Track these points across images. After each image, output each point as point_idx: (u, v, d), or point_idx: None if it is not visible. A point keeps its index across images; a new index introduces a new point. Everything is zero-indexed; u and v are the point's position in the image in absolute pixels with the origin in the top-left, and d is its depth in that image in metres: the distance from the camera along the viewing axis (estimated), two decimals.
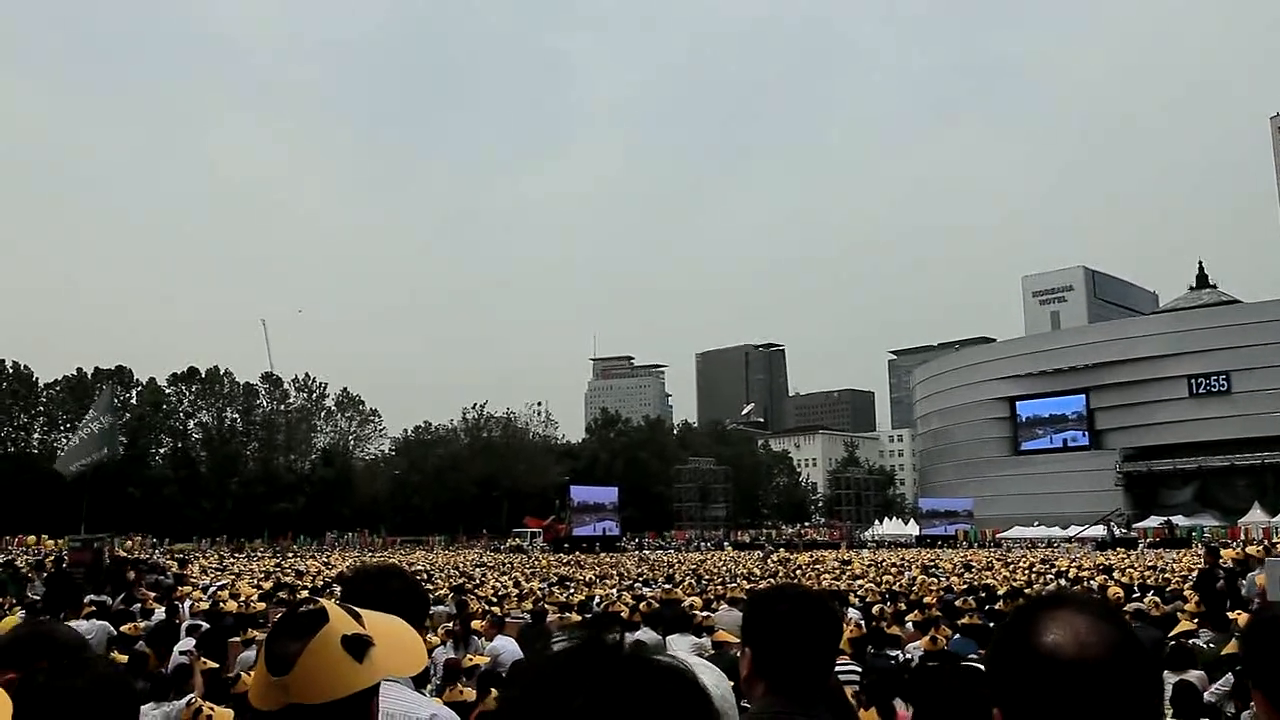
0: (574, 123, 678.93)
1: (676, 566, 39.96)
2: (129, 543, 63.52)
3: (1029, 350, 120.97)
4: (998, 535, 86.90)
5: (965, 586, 21.61)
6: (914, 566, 36.42)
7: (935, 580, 24.74)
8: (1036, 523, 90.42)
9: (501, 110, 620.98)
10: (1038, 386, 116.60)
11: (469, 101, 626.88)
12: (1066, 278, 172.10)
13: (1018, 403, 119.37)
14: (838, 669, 3.88)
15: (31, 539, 65.51)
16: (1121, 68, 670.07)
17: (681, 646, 9.70)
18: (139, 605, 14.50)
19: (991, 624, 11.37)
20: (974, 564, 37.49)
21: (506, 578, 28.69)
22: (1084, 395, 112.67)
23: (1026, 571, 29.80)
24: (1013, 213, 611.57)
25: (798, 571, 33.10)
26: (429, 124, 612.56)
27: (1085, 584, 22.15)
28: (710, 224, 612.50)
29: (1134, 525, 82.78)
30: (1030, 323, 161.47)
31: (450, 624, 11.50)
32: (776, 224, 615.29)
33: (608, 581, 27.03)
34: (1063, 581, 24.20)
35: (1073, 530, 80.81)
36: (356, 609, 1.72)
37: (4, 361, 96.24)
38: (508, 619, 13.18)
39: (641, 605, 13.47)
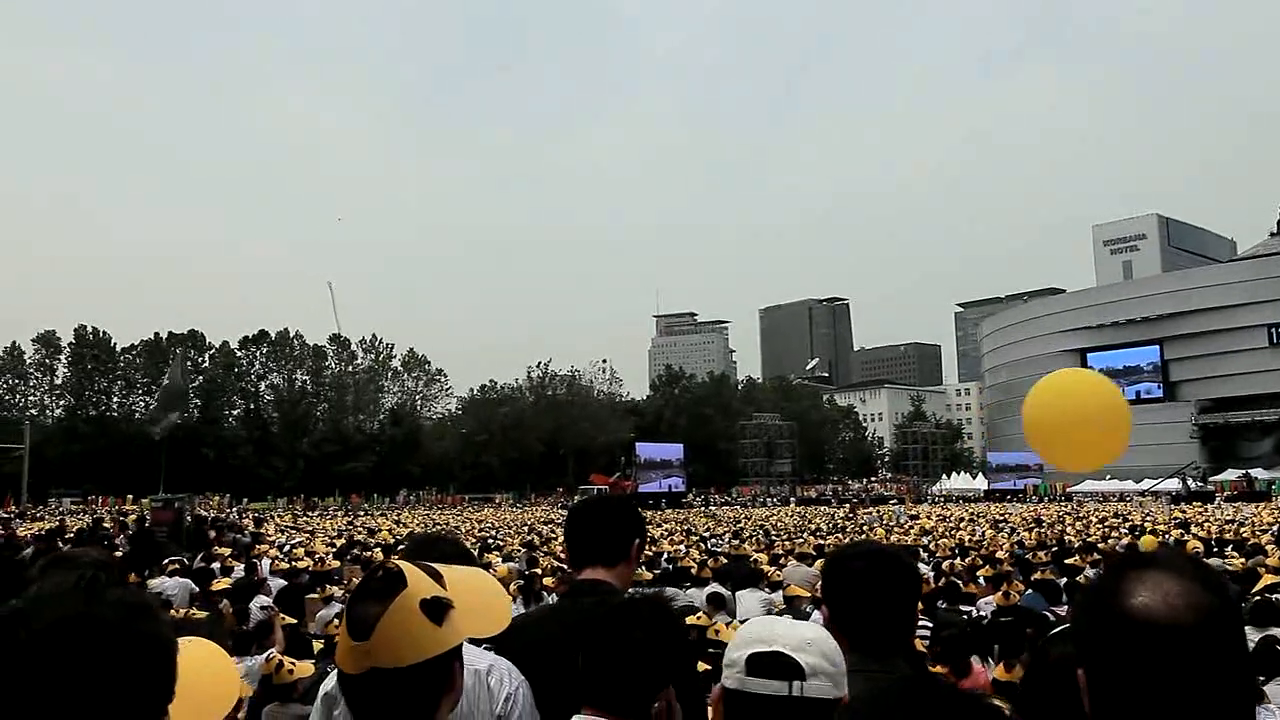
0: (636, 79, 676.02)
1: (744, 522, 40.02)
2: (209, 502, 65.17)
3: (1100, 301, 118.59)
4: (1068, 489, 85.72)
5: (1035, 541, 21.36)
6: (981, 520, 36.11)
7: (1005, 536, 24.47)
8: (1108, 476, 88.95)
9: (563, 67, 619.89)
10: (1109, 338, 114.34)
11: (530, 59, 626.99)
12: (1139, 225, 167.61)
13: (1089, 354, 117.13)
14: None
15: (132, 504, 66.67)
16: (1198, 5, 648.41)
17: (751, 602, 9.72)
18: (218, 563, 14.86)
19: (1065, 579, 11.21)
20: (1044, 518, 37.04)
21: None
22: (1158, 346, 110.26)
23: (1099, 526, 29.35)
24: (1082, 160, 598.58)
25: (866, 527, 32.94)
26: (491, 83, 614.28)
27: (1162, 538, 21.75)
28: (772, 178, 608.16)
29: (1210, 478, 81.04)
30: (1101, 273, 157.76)
31: (520, 580, 11.63)
32: (839, 176, 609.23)
33: (675, 537, 27.14)
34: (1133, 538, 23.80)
35: (1146, 484, 79.39)
36: (438, 569, 1.72)
37: (85, 327, 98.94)
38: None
39: (710, 561, 13.49)
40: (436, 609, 1.61)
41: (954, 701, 1.04)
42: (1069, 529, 27.86)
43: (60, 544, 18.07)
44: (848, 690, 1.80)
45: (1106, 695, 1.25)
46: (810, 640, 1.80)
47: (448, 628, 1.62)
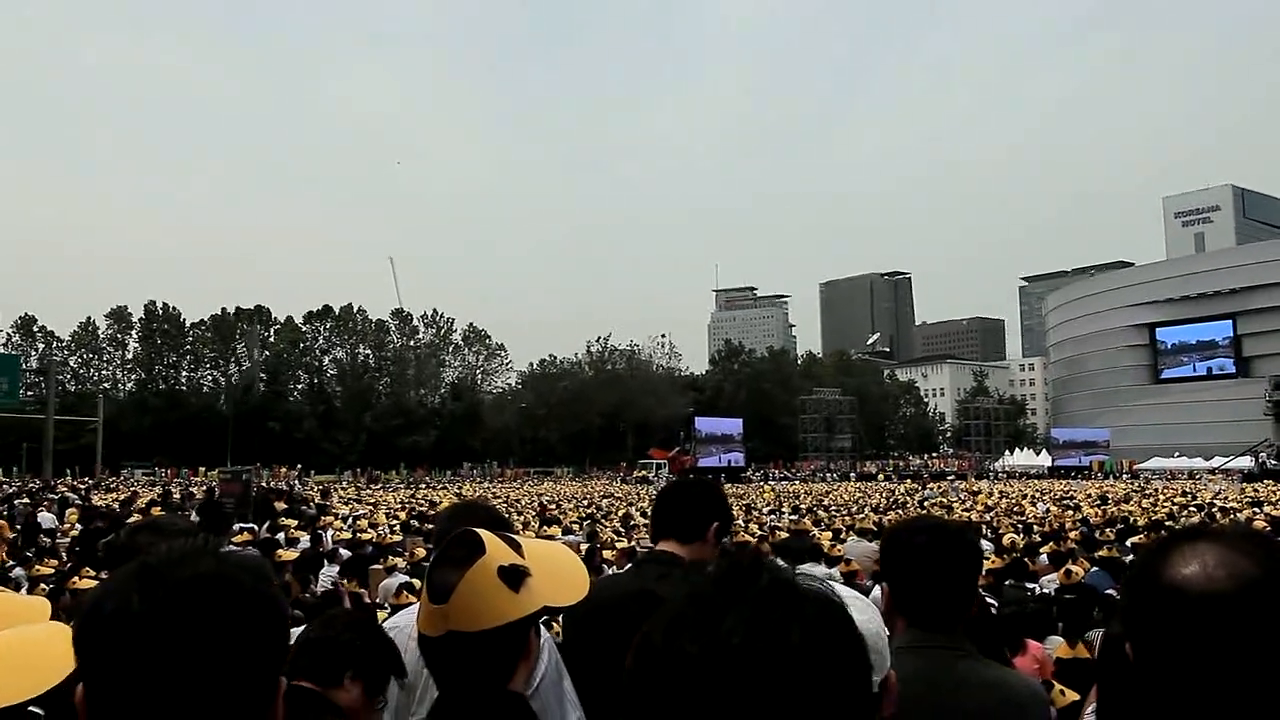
0: (698, 53, 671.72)
1: (803, 497, 39.92)
2: (275, 475, 66.39)
3: (1171, 274, 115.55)
4: (1135, 467, 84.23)
5: (1102, 519, 21.04)
6: (1045, 498, 35.63)
7: (1071, 513, 24.14)
8: (1177, 454, 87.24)
9: (624, 43, 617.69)
10: (1179, 313, 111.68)
11: (592, 36, 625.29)
12: (1213, 197, 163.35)
13: (1158, 329, 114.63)
14: None
15: (201, 476, 67.87)
16: None
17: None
18: (284, 534, 15.14)
19: (1130, 557, 11.06)
20: (1110, 496, 36.47)
21: (634, 508, 29.07)
22: (1231, 321, 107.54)
23: (1167, 503, 28.83)
24: (1153, 130, 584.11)
25: (927, 503, 32.71)
26: (552, 60, 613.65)
27: (1232, 516, 21.34)
28: (834, 150, 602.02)
29: None
30: (1172, 246, 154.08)
31: (580, 553, 11.73)
32: (903, 149, 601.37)
33: (734, 511, 27.09)
34: (1204, 515, 23.38)
35: (1216, 461, 77.71)
36: (517, 539, 1.77)
37: (155, 303, 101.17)
38: (638, 548, 13.37)
39: (769, 535, 13.50)
40: (514, 576, 1.66)
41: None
42: (1135, 507, 27.41)
43: (133, 514, 18.55)
44: (894, 669, 1.80)
45: (1150, 669, 1.20)
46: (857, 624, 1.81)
47: (525, 595, 1.67)
